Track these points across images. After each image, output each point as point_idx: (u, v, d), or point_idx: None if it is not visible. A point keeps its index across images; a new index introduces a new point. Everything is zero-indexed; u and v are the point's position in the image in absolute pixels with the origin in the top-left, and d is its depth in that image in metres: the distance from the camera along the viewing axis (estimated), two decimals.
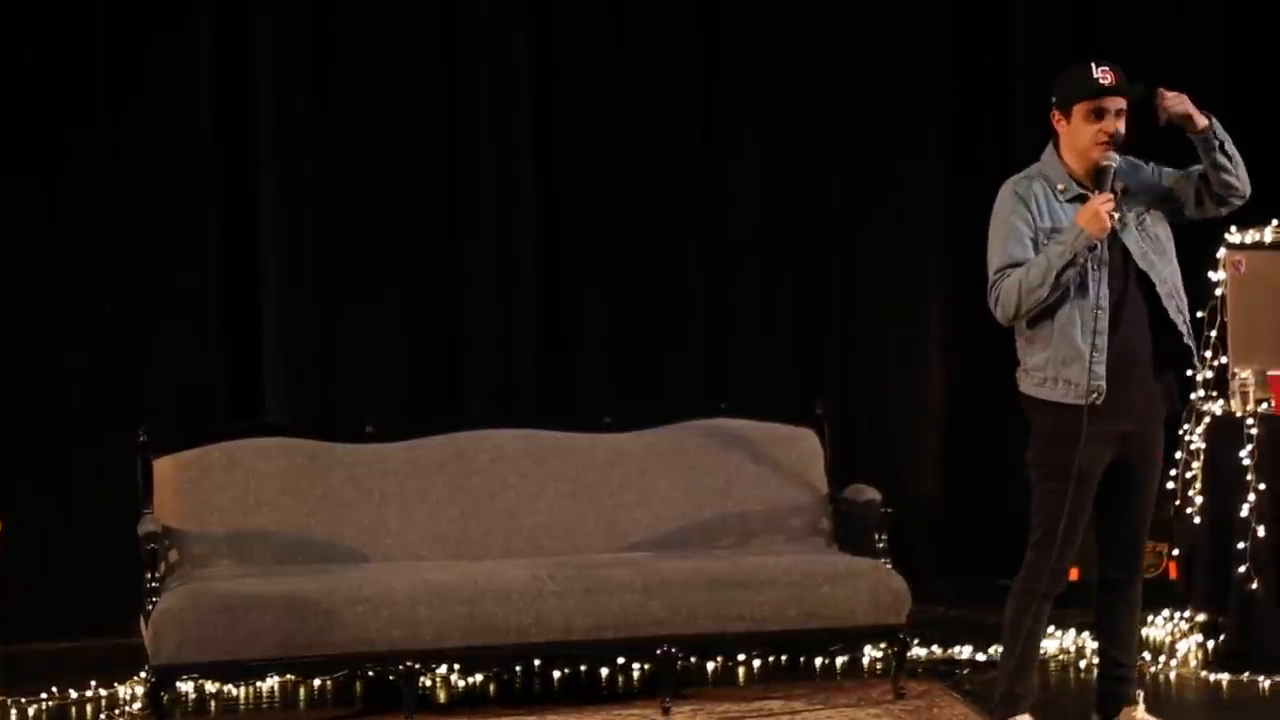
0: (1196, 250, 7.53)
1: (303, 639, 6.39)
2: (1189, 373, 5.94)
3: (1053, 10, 8.78)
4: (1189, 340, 5.87)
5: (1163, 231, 5.92)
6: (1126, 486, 5.90)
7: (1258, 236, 7.37)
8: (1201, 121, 5.84)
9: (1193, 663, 7.17)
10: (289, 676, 6.83)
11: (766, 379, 8.51)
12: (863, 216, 8.70)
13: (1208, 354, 7.42)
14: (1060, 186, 5.84)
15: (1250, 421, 7.07)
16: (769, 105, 8.58)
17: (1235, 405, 7.21)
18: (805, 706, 6.63)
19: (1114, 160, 5.78)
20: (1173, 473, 7.48)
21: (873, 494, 7.15)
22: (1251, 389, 7.19)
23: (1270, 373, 7.16)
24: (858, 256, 8.70)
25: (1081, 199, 5.81)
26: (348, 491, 7.10)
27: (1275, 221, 7.40)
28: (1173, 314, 5.83)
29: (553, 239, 8.41)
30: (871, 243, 8.70)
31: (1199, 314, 7.37)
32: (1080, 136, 5.81)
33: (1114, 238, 5.77)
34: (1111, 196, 5.73)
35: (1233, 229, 7.38)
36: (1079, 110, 5.80)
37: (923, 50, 8.73)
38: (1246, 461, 7.03)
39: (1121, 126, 5.81)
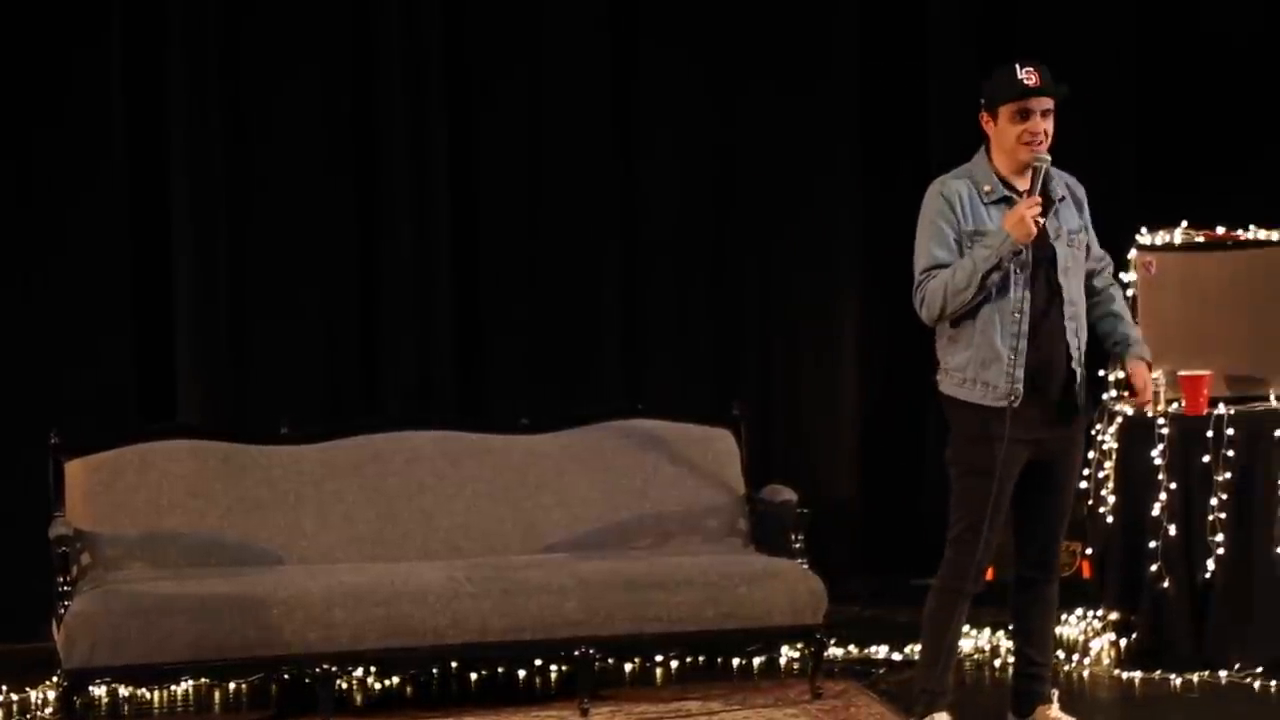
0: (1109, 251, 7.61)
1: (217, 642, 6.35)
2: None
3: (964, 13, 8.83)
4: (1077, 365, 5.93)
5: (1081, 254, 5.99)
6: (1043, 487, 5.96)
7: (1168, 238, 7.43)
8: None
9: (1106, 661, 7.23)
10: (203, 680, 6.76)
11: (683, 380, 8.51)
12: (778, 218, 8.71)
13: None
14: (986, 188, 5.89)
15: (1161, 421, 7.13)
16: (685, 107, 8.58)
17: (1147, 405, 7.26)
18: (723, 707, 6.64)
19: (1045, 160, 5.83)
20: (1086, 472, 7.54)
21: (789, 494, 7.17)
22: (1162, 389, 7.25)
23: (1181, 373, 7.21)
24: (773, 258, 8.71)
25: (1007, 201, 5.86)
26: (262, 493, 7.06)
27: (1185, 223, 7.47)
28: (1069, 335, 5.90)
29: (469, 240, 8.38)
30: (787, 244, 8.72)
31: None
32: (1007, 137, 5.87)
33: (1046, 245, 5.83)
34: (1039, 201, 5.78)
35: (1143, 230, 7.45)
36: (1005, 111, 5.86)
37: (838, 53, 8.75)
38: (1158, 461, 7.09)
39: (1049, 126, 5.86)
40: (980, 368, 5.85)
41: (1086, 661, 7.21)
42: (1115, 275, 6.23)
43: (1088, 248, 6.03)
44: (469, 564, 6.87)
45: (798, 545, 6.96)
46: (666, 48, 8.57)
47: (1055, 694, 6.10)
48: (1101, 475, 7.38)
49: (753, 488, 7.37)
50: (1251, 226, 7.36)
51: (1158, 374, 7.24)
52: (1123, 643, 7.25)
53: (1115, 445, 7.29)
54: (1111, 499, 7.29)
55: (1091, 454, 7.46)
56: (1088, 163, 8.58)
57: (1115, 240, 7.48)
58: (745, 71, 8.68)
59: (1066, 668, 7.11)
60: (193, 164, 8.02)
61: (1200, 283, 7.35)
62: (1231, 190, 8.68)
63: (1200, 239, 7.41)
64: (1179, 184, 8.76)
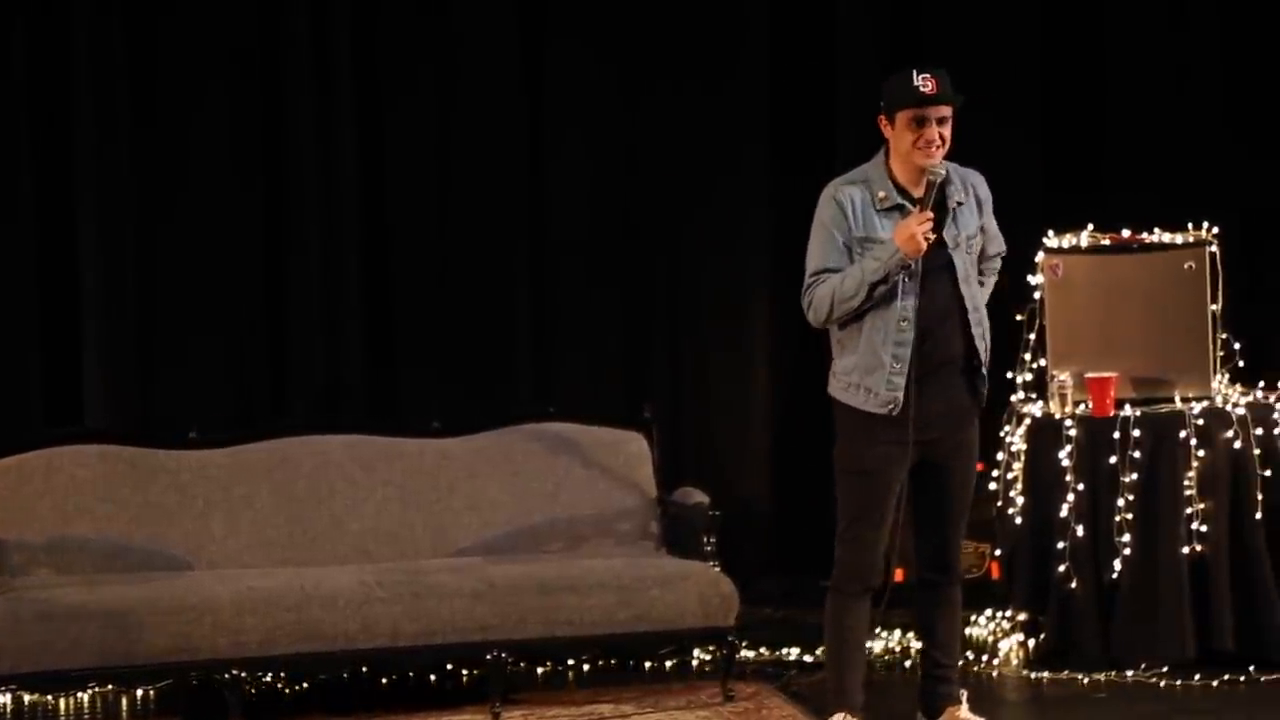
0: (1014, 254, 7.66)
1: (124, 648, 6.31)
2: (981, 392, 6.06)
3: (873, 14, 8.87)
4: (983, 369, 5.98)
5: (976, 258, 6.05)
6: (937, 489, 6.02)
7: (1074, 240, 7.49)
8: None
9: (1014, 661, 7.28)
10: (111, 686, 6.71)
11: (595, 382, 8.50)
12: (688, 217, 8.72)
13: (1026, 356, 7.55)
14: (881, 194, 5.92)
15: (1069, 423, 7.19)
16: (595, 107, 8.57)
17: (1054, 407, 7.32)
18: (634, 710, 6.65)
19: (939, 174, 5.86)
20: (994, 474, 7.60)
21: (701, 497, 7.19)
22: (1070, 391, 7.31)
23: (1088, 375, 7.27)
24: (683, 258, 8.72)
25: (900, 209, 5.89)
26: (171, 498, 7.01)
27: (1091, 226, 7.53)
28: (977, 341, 5.96)
29: (378, 243, 8.34)
30: (697, 245, 8.73)
31: (1018, 317, 7.51)
32: (903, 142, 5.89)
33: (943, 254, 5.86)
34: (930, 216, 5.81)
35: (1050, 233, 7.51)
36: (901, 117, 5.88)
37: (748, 53, 8.76)
38: (1066, 463, 7.15)
39: (946, 133, 5.89)
40: (864, 373, 5.91)
41: (995, 662, 7.26)
42: (1001, 275, 6.23)
43: (982, 250, 6.06)
44: (380, 568, 6.85)
45: (709, 548, 6.98)
46: (576, 48, 8.56)
47: (964, 695, 6.14)
48: (1010, 477, 7.43)
49: (664, 490, 7.38)
50: (1156, 229, 7.42)
51: (1065, 376, 7.31)
52: (1031, 643, 7.31)
53: (1023, 447, 7.34)
54: (1020, 500, 7.34)
55: (1000, 455, 7.52)
56: (994, 165, 8.67)
57: (1023, 243, 7.56)
58: (654, 72, 8.67)
59: (975, 668, 7.16)
60: (100, 169, 7.94)
61: (1106, 285, 7.41)
62: (1137, 193, 8.79)
63: (1106, 242, 7.47)
64: (1085, 186, 8.84)
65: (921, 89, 5.83)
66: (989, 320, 6.06)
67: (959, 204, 5.95)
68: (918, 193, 5.88)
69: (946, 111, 5.88)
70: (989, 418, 7.61)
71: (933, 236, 5.80)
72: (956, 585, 6.15)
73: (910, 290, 5.84)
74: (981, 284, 6.09)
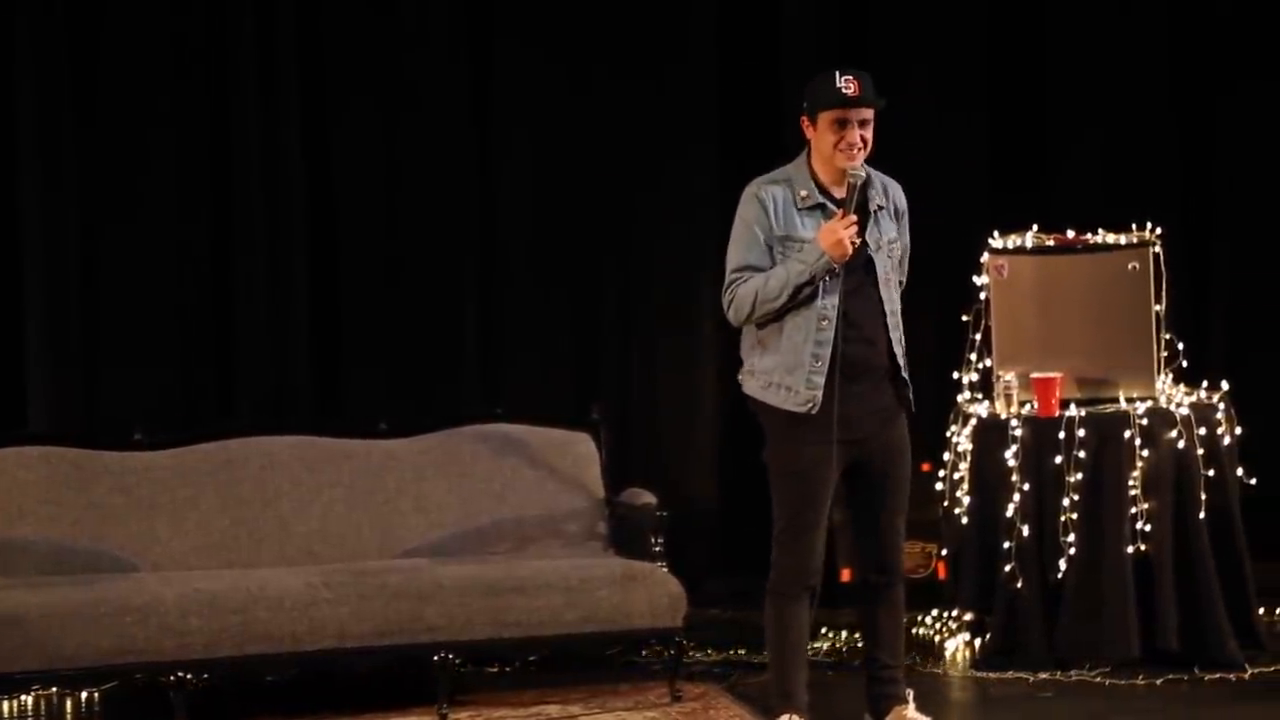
0: (960, 254, 7.71)
1: (69, 650, 6.27)
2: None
3: (819, 13, 8.89)
4: (902, 371, 5.99)
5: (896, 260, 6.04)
6: (868, 491, 6.04)
7: (1019, 241, 7.52)
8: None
9: (960, 661, 7.31)
10: (54, 689, 6.67)
11: (542, 383, 8.49)
12: (636, 217, 8.73)
13: (972, 357, 7.58)
14: (803, 194, 5.94)
15: (1014, 423, 7.21)
16: (543, 108, 8.57)
17: (1000, 407, 7.35)
18: (582, 711, 6.65)
19: (860, 176, 5.86)
20: (940, 474, 7.63)
21: (649, 497, 7.19)
22: (1015, 391, 7.33)
23: (1033, 375, 7.30)
24: (631, 259, 8.72)
25: (822, 208, 5.91)
26: (115, 500, 6.97)
27: (1036, 227, 7.56)
28: (895, 345, 5.97)
29: (326, 243, 8.31)
30: (645, 245, 8.73)
31: (964, 317, 7.54)
32: (824, 144, 5.91)
33: (864, 255, 5.89)
34: (855, 220, 5.82)
35: (995, 234, 7.54)
36: (823, 119, 5.90)
37: (695, 50, 8.78)
38: (1011, 462, 7.18)
39: (868, 135, 5.90)
40: (785, 373, 5.92)
41: (941, 662, 7.29)
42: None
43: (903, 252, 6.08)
44: (326, 570, 6.83)
45: (657, 548, 6.99)
46: (524, 48, 8.55)
47: (911, 694, 6.16)
48: (956, 477, 7.46)
49: (612, 491, 7.38)
50: (1100, 230, 7.46)
51: (1010, 376, 7.34)
52: (977, 643, 7.34)
53: (969, 447, 7.37)
54: (966, 500, 7.37)
55: (946, 455, 7.55)
56: (940, 166, 8.77)
57: (968, 243, 7.61)
58: (603, 72, 8.68)
59: (921, 668, 7.18)
60: (44, 167, 7.90)
61: (1051, 286, 7.44)
62: (1080, 193, 8.85)
63: (1051, 242, 7.51)
64: (1028, 188, 8.89)
65: (844, 90, 5.84)
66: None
67: (879, 207, 5.97)
68: (839, 194, 5.90)
69: (869, 114, 5.90)
70: (935, 418, 7.70)
71: (858, 240, 5.82)
72: (899, 585, 6.16)
73: (832, 289, 5.86)
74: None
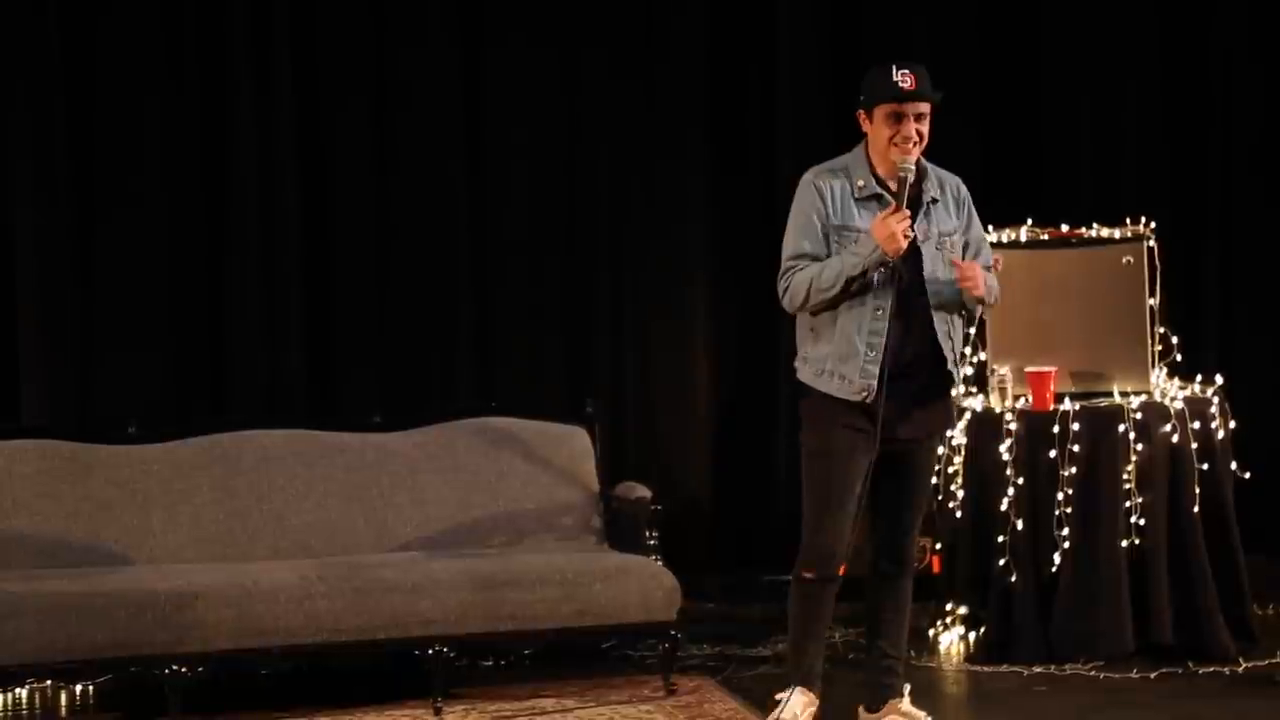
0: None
1: (63, 643, 6.26)
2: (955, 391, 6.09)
3: (814, 8, 8.90)
4: (952, 367, 5.98)
5: (957, 255, 6.01)
6: (897, 480, 6.03)
7: (1014, 235, 7.53)
8: (987, 300, 6.02)
9: (954, 655, 7.31)
10: (49, 682, 6.67)
11: (536, 377, 8.51)
12: (628, 214, 8.74)
13: (966, 351, 7.57)
14: (860, 183, 5.94)
15: (1009, 417, 7.22)
16: (535, 105, 8.57)
17: (994, 401, 7.36)
18: (578, 704, 6.65)
19: (910, 170, 5.86)
20: (935, 468, 7.62)
21: (643, 491, 7.19)
22: (1009, 385, 7.34)
23: (1028, 369, 7.31)
24: (624, 253, 8.73)
25: (878, 199, 5.91)
26: (110, 493, 6.97)
27: (1030, 221, 7.57)
28: (941, 338, 5.95)
29: (320, 238, 8.31)
30: (638, 239, 8.74)
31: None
32: (880, 138, 5.91)
33: (913, 247, 5.87)
34: (908, 215, 5.81)
35: (989, 228, 7.53)
36: (879, 112, 5.90)
37: (685, 47, 8.79)
38: (1006, 456, 7.18)
39: (923, 129, 5.91)
40: (839, 361, 5.91)
41: (936, 656, 7.29)
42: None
43: (966, 246, 6.06)
44: (321, 563, 6.83)
45: (652, 542, 7.00)
46: (516, 47, 8.55)
47: (907, 688, 6.16)
48: (950, 471, 7.46)
49: (607, 485, 7.39)
50: (1094, 224, 7.47)
51: (1005, 370, 7.34)
52: (971, 637, 7.34)
53: (964, 441, 7.37)
54: (960, 494, 7.38)
55: (941, 450, 7.54)
56: (933, 160, 8.75)
57: None
58: (594, 70, 8.68)
59: (916, 662, 7.17)
60: (36, 163, 7.90)
61: (1045, 280, 7.45)
62: (1074, 187, 8.86)
63: (1045, 236, 7.51)
64: (1022, 183, 8.89)
65: (901, 84, 5.85)
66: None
67: (933, 200, 5.96)
68: (895, 187, 5.90)
69: (924, 108, 5.90)
70: None
71: (912, 234, 5.81)
72: (907, 577, 6.17)
73: (887, 281, 5.85)
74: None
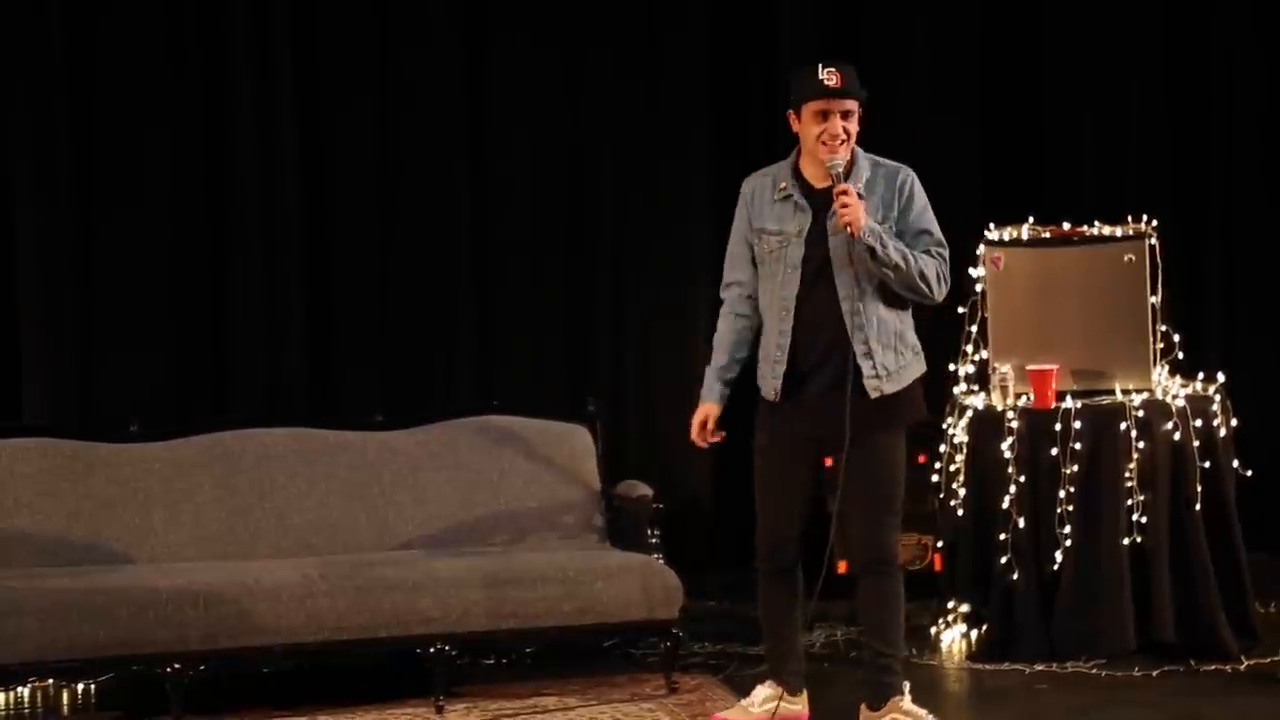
0: (956, 247, 7.70)
1: (65, 642, 6.27)
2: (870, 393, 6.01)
3: (817, 7, 8.90)
4: (865, 360, 5.93)
5: (875, 244, 5.93)
6: (848, 479, 5.97)
7: (1015, 234, 7.52)
8: (854, 232, 5.86)
9: (956, 653, 7.30)
10: (51, 680, 6.67)
11: (538, 376, 8.51)
12: (630, 213, 8.74)
13: (968, 349, 7.58)
14: (781, 185, 6.02)
15: (1010, 415, 7.22)
16: (539, 105, 8.58)
17: (996, 399, 7.36)
18: (579, 702, 6.65)
19: (838, 166, 5.89)
20: (937, 466, 7.63)
21: (645, 490, 7.19)
22: (1011, 383, 7.34)
23: (1029, 367, 7.30)
24: (626, 253, 8.74)
25: (789, 200, 5.98)
26: (111, 492, 6.98)
27: (1032, 219, 7.56)
28: (850, 329, 5.94)
29: (321, 238, 8.32)
30: (640, 239, 8.75)
31: (960, 309, 7.54)
32: (808, 136, 5.96)
33: (823, 240, 5.90)
34: (848, 188, 5.83)
35: (991, 226, 7.54)
36: (807, 111, 5.95)
37: (687, 48, 8.80)
38: (1007, 454, 7.17)
39: (851, 127, 5.93)
40: (763, 360, 6.08)
41: (938, 654, 7.28)
42: (938, 257, 6.08)
43: (902, 236, 6.01)
44: (322, 561, 6.83)
45: (653, 540, 7.00)
46: (519, 46, 8.56)
47: (907, 686, 6.16)
48: (952, 469, 7.46)
49: (608, 483, 7.39)
50: (1096, 222, 7.47)
51: (1006, 368, 7.34)
52: (973, 635, 7.33)
53: (965, 439, 7.37)
54: (962, 492, 7.37)
55: (942, 448, 7.55)
56: (935, 159, 8.74)
57: (963, 236, 7.60)
58: (597, 70, 8.69)
59: (917, 660, 7.17)
60: (38, 163, 7.91)
61: (1047, 278, 7.45)
62: (1076, 185, 8.86)
63: (1046, 235, 7.51)
64: (1023, 181, 8.90)
65: (826, 82, 5.89)
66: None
67: (859, 196, 5.93)
68: (823, 185, 5.96)
69: (851, 105, 5.93)
70: (931, 410, 7.70)
71: (864, 218, 5.83)
72: (891, 576, 6.11)
73: (789, 280, 5.93)
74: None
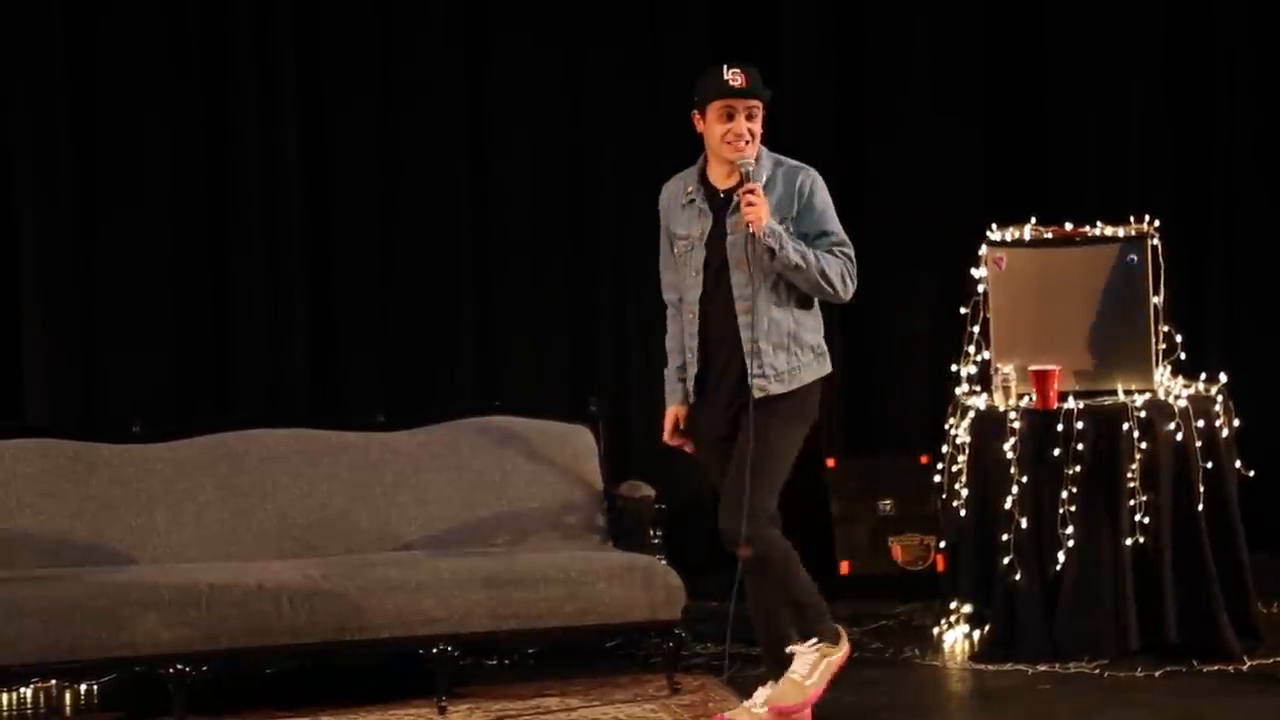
0: (959, 247, 7.72)
1: (67, 642, 6.27)
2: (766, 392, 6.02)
3: (819, 6, 8.90)
4: (752, 360, 5.94)
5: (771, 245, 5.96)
6: (732, 463, 6.04)
7: (1018, 234, 7.52)
8: (755, 231, 5.87)
9: (959, 654, 7.30)
10: (54, 681, 6.67)
11: (540, 377, 8.51)
12: (631, 213, 8.72)
13: (970, 349, 7.58)
14: (689, 189, 6.08)
15: (1013, 415, 7.21)
16: (540, 106, 8.58)
17: (998, 399, 7.35)
18: (581, 703, 6.65)
19: (749, 164, 5.93)
20: (939, 466, 7.63)
21: (647, 490, 7.19)
22: (1013, 383, 7.33)
23: (1031, 367, 7.30)
24: (627, 253, 8.73)
25: (692, 203, 6.05)
26: (114, 493, 6.97)
27: (1034, 219, 7.56)
28: (742, 330, 5.97)
29: (323, 238, 8.32)
30: (642, 239, 8.68)
31: (962, 310, 7.54)
32: (713, 136, 6.01)
33: (724, 243, 5.95)
34: (754, 187, 5.86)
35: (993, 226, 7.54)
36: (711, 111, 6.00)
37: (689, 48, 8.77)
38: (1009, 455, 7.17)
39: (755, 127, 5.97)
40: (689, 366, 6.16)
41: (940, 654, 7.28)
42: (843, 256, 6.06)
43: (812, 236, 6.02)
44: (325, 562, 6.83)
45: (656, 541, 7.00)
46: (521, 46, 8.56)
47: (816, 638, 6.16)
48: (954, 469, 7.45)
49: (611, 484, 7.39)
50: (1098, 223, 7.47)
51: (1009, 368, 7.34)
52: (976, 635, 7.33)
53: (967, 439, 7.37)
54: (964, 493, 7.37)
55: (944, 448, 7.54)
56: (937, 159, 8.77)
57: (965, 236, 7.62)
58: (598, 68, 8.69)
59: (920, 660, 7.17)
60: (39, 162, 7.91)
61: (1049, 278, 7.44)
62: (1079, 185, 8.86)
63: (1049, 235, 7.51)
64: (1026, 181, 8.89)
65: (731, 82, 5.94)
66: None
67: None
68: (729, 184, 5.99)
69: (756, 106, 5.97)
70: (933, 410, 7.71)
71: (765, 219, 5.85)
72: (763, 551, 6.03)
73: (695, 283, 6.02)
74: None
